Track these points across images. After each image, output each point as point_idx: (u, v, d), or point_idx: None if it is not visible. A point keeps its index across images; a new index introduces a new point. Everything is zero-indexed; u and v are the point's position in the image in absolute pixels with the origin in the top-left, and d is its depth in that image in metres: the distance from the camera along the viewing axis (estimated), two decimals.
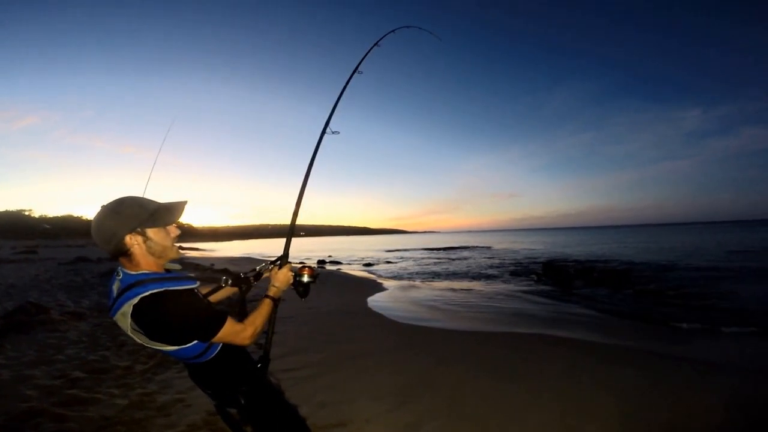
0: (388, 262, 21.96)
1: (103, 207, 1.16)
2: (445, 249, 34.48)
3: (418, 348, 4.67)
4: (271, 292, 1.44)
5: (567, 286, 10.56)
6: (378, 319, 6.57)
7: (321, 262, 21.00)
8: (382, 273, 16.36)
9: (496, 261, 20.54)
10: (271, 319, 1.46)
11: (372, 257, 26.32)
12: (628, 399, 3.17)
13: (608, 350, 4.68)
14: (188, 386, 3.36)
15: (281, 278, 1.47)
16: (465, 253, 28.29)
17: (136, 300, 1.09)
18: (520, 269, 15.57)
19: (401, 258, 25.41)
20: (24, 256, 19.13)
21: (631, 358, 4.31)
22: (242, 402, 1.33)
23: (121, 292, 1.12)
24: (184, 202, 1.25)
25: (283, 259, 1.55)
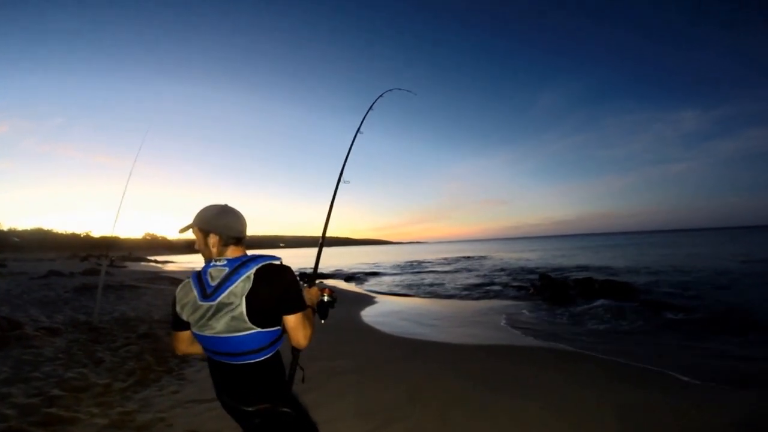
0: (375, 275, 20.84)
1: (231, 207, 1.43)
2: (435, 260, 32.77)
3: (408, 362, 4.62)
4: (309, 302, 1.61)
5: (566, 298, 10.13)
6: (369, 333, 6.51)
7: (303, 276, 20.25)
8: (370, 286, 15.88)
9: (490, 272, 19.37)
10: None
11: (357, 269, 24.78)
12: (633, 416, 3.10)
13: (609, 364, 4.60)
14: (169, 405, 3.32)
15: (313, 294, 1.66)
16: (457, 265, 26.67)
17: (261, 264, 1.30)
18: (516, 280, 14.81)
19: (388, 270, 24.10)
20: None
21: (633, 373, 4.25)
22: (288, 415, 1.37)
23: (235, 269, 1.28)
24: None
25: (312, 280, 1.75)
